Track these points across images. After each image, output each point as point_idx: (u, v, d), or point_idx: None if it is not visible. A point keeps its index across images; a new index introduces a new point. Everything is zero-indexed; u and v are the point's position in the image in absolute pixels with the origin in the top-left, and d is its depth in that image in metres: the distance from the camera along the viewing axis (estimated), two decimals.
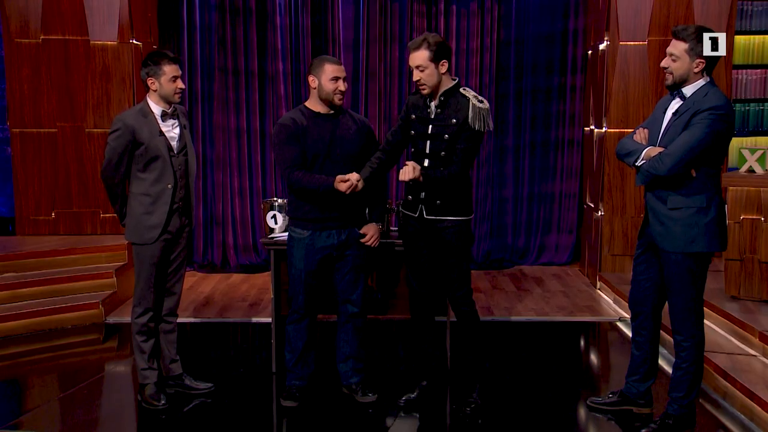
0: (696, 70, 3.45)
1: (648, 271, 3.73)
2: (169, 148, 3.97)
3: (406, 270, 4.11)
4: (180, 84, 3.97)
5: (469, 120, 3.74)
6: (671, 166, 3.39)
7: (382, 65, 7.21)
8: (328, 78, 3.85)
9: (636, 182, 3.62)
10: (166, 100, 3.97)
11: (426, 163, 3.86)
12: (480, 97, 3.79)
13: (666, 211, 3.50)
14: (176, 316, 4.26)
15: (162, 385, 4.18)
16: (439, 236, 3.88)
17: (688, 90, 3.48)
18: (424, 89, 3.78)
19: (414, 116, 3.90)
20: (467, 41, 7.24)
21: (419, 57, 3.72)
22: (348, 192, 3.75)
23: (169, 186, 3.96)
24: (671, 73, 3.49)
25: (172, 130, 4.00)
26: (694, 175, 3.44)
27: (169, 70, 3.93)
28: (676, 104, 3.53)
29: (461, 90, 3.81)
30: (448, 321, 4.55)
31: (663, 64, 3.53)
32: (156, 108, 3.97)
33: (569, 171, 7.39)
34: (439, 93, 3.80)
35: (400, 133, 3.97)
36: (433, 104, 3.83)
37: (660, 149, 3.47)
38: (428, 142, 3.84)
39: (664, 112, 3.58)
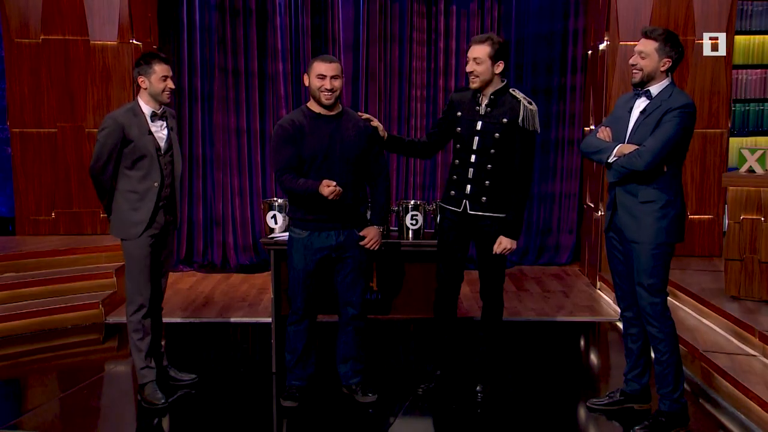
0: (662, 68, 3.61)
1: (626, 264, 3.79)
2: (157, 147, 4.02)
3: (437, 265, 4.16)
4: (170, 84, 4.03)
5: (519, 120, 3.84)
6: (650, 161, 3.51)
7: (382, 65, 7.21)
8: (315, 75, 3.83)
9: (609, 179, 3.73)
10: (155, 99, 4.02)
11: (473, 158, 3.93)
12: (529, 99, 3.91)
13: (637, 204, 3.63)
14: (160, 309, 4.31)
15: (161, 383, 4.18)
16: (480, 232, 3.97)
17: (654, 89, 3.63)
18: (474, 82, 3.88)
19: (460, 113, 3.97)
20: (467, 41, 7.22)
21: (480, 50, 3.84)
22: (330, 197, 3.71)
23: (155, 184, 4.01)
24: (640, 70, 3.62)
25: (160, 131, 4.07)
26: (665, 170, 3.58)
27: (160, 69, 3.99)
28: (642, 103, 3.66)
29: (511, 91, 3.92)
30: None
31: (632, 61, 3.67)
32: (146, 108, 4.03)
33: (569, 171, 7.39)
34: (490, 92, 3.90)
35: (439, 129, 4.11)
36: (483, 103, 3.92)
37: (634, 146, 3.58)
38: (476, 138, 3.92)
39: (629, 111, 3.70)
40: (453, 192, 4.01)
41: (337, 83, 3.84)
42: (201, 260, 7.30)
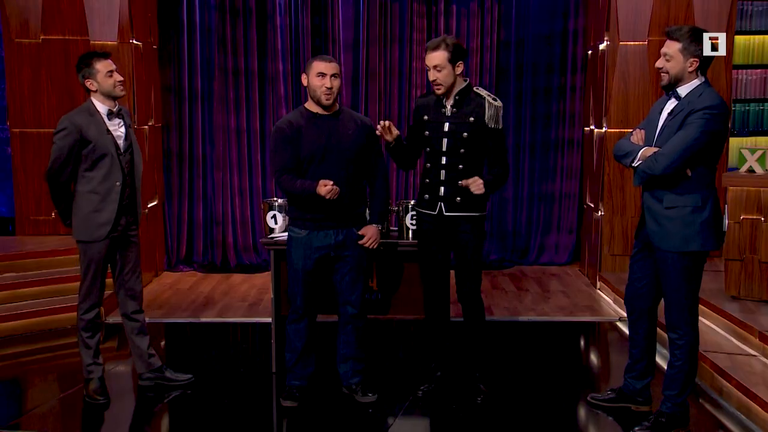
0: (690, 69, 3.48)
1: (644, 269, 3.75)
2: (116, 146, 4.01)
3: (420, 268, 4.14)
4: (117, 77, 4.01)
5: (486, 118, 3.83)
6: (666, 165, 3.42)
7: (382, 65, 7.21)
8: (314, 74, 3.83)
9: (633, 183, 3.66)
10: (108, 95, 4.01)
11: (444, 160, 3.92)
12: (493, 96, 3.89)
13: (662, 210, 3.53)
14: (142, 312, 4.31)
15: (104, 380, 4.19)
16: (455, 232, 3.95)
17: (683, 90, 3.52)
18: (439, 89, 3.86)
19: (426, 117, 3.96)
20: (467, 41, 7.24)
21: (437, 57, 3.80)
22: (328, 197, 3.73)
23: (118, 183, 4.00)
24: (666, 73, 3.52)
25: (118, 129, 4.05)
26: (689, 174, 3.46)
27: (102, 66, 3.98)
28: (671, 105, 3.56)
29: (475, 89, 3.91)
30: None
31: (657, 64, 3.56)
32: (101, 107, 4.01)
33: (569, 171, 7.38)
34: (454, 93, 3.88)
35: (410, 138, 4.08)
36: (448, 104, 3.90)
37: (655, 149, 3.50)
38: (445, 139, 3.90)
39: (660, 113, 3.62)
40: (427, 195, 3.99)
41: (336, 82, 3.84)
42: (201, 260, 7.31)
